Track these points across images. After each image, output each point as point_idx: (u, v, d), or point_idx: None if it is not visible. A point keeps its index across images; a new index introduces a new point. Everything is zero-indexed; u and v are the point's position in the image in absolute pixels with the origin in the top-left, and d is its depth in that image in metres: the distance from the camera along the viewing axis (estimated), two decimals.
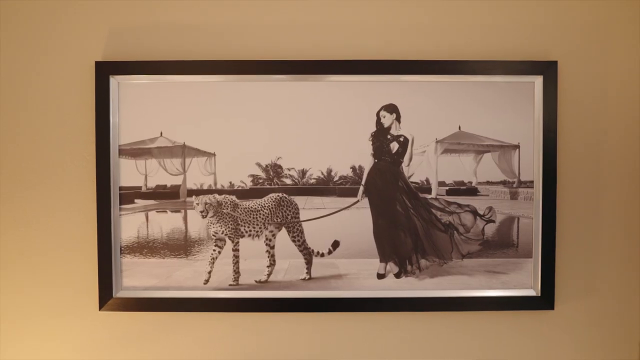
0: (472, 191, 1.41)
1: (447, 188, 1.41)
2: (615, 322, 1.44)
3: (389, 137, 1.40)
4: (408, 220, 1.41)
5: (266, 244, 1.42)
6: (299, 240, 1.41)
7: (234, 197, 1.42)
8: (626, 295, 1.44)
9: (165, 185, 1.41)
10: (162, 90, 1.39)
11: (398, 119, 1.39)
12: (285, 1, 1.40)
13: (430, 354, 1.43)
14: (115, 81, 1.37)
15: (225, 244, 1.42)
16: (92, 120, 1.38)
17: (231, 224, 1.41)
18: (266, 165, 1.41)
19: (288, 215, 1.42)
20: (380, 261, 1.41)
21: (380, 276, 1.41)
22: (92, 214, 1.39)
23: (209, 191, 1.41)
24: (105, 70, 1.36)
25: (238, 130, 1.40)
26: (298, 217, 1.42)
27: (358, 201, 1.42)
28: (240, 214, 1.41)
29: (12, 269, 1.41)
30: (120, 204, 1.40)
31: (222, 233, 1.41)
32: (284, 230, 1.43)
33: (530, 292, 1.40)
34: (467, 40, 1.40)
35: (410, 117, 1.39)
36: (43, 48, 1.40)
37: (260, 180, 1.42)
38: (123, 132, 1.39)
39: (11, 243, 1.41)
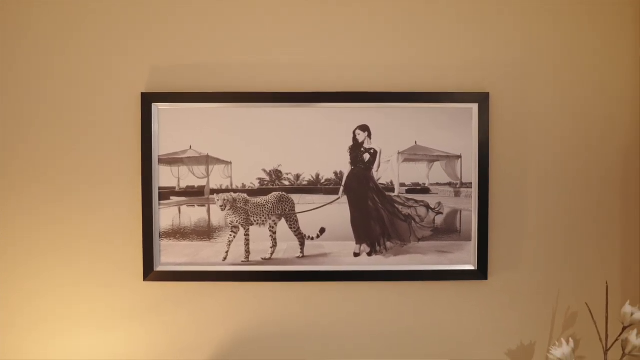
0: (425, 190, 1.59)
1: (406, 188, 1.58)
2: (535, 290, 1.63)
3: (362, 149, 1.58)
4: (377, 212, 1.58)
5: (270, 230, 1.58)
6: (294, 228, 1.58)
7: (245, 195, 1.57)
8: (543, 269, 1.63)
9: (194, 186, 1.57)
10: (191, 114, 1.56)
11: (369, 136, 1.57)
12: (285, 47, 1.58)
13: (394, 312, 1.63)
14: (156, 107, 1.55)
15: (239, 231, 1.58)
16: (138, 137, 1.57)
17: (243, 215, 1.57)
18: (270, 171, 1.57)
19: (286, 208, 1.58)
20: (356, 243, 1.59)
21: (356, 255, 1.59)
22: (138, 207, 1.58)
23: (227, 190, 1.57)
24: (148, 99, 1.55)
25: (249, 144, 1.57)
26: (294, 210, 1.58)
27: (339, 198, 1.57)
28: (250, 208, 1.57)
29: (75, 250, 1.60)
30: (160, 200, 1.56)
31: (237, 222, 1.58)
32: (283, 220, 1.58)
33: (470, 267, 1.59)
34: (423, 76, 1.59)
35: (379, 134, 1.57)
36: (102, 81, 1.58)
37: (265, 182, 1.57)
38: (161, 145, 1.56)
39: (76, 230, 1.60)
